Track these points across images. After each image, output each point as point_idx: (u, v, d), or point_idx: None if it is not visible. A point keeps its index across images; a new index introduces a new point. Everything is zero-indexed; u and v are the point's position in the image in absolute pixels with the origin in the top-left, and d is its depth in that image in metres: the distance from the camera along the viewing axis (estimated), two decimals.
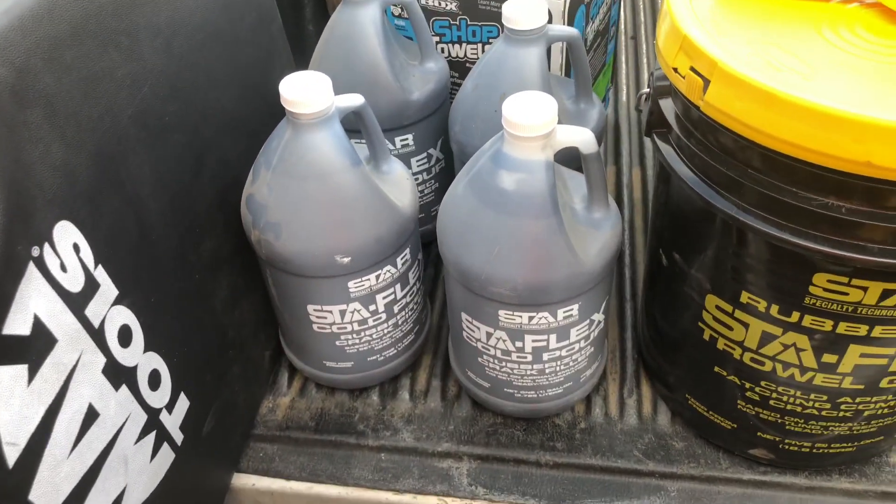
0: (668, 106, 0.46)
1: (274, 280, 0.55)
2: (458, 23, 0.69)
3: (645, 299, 0.63)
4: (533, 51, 0.56)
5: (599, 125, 0.62)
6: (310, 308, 0.55)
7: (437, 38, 0.70)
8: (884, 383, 0.47)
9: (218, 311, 0.54)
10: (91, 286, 0.38)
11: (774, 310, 0.45)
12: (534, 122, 0.45)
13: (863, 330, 0.44)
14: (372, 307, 0.56)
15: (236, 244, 0.55)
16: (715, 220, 0.45)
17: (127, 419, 0.42)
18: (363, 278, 0.53)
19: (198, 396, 0.50)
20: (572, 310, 0.51)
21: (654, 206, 0.57)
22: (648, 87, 0.48)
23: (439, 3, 0.68)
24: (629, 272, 0.73)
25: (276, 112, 0.50)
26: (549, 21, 0.58)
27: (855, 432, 0.51)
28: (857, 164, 0.35)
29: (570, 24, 0.65)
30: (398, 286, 0.56)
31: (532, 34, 0.55)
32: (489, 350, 0.54)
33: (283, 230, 0.51)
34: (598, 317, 0.54)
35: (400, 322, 0.59)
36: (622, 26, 1.03)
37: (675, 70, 0.42)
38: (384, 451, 0.60)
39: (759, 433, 0.54)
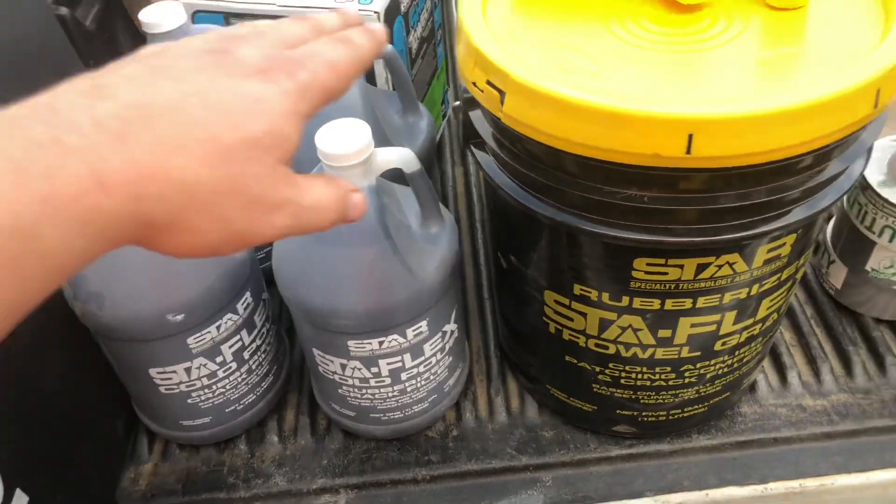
0: (478, 117, 0.47)
1: (109, 349, 0.52)
2: None
3: (497, 298, 0.64)
4: None
5: (429, 137, 0.62)
6: (152, 372, 0.52)
7: None
8: (717, 346, 0.50)
9: (51, 393, 0.50)
10: None
11: (605, 297, 0.47)
12: (348, 151, 0.44)
13: (688, 303, 0.46)
14: (219, 359, 0.53)
15: (64, 318, 0.52)
16: (537, 222, 0.46)
17: None
18: (203, 332, 0.51)
19: (38, 489, 0.46)
20: (421, 327, 0.51)
21: (486, 211, 0.58)
22: (457, 100, 0.49)
23: None
24: (486, 270, 0.74)
25: None
26: None
27: (702, 394, 0.55)
28: (646, 156, 0.37)
29: (389, 37, 0.65)
30: (244, 332, 0.54)
31: None
32: (347, 380, 0.54)
33: (106, 298, 0.48)
34: (450, 327, 0.55)
35: (254, 367, 0.57)
36: (455, 24, 1.04)
37: (475, 84, 0.43)
38: (258, 501, 0.58)
39: (618, 411, 0.56)
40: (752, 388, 0.62)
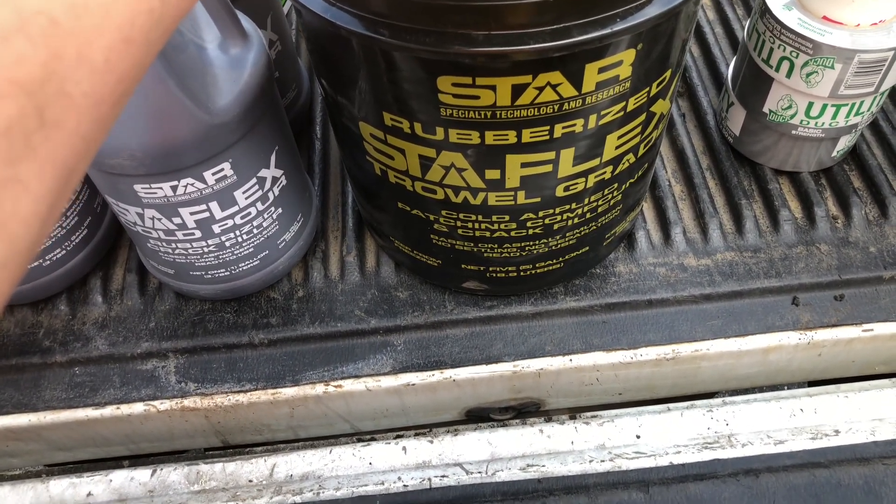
0: None
1: None
2: None
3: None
4: None
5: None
6: None
7: None
8: (560, 192, 0.44)
9: None
10: None
11: (418, 128, 0.40)
12: None
13: (511, 137, 0.39)
14: None
15: None
16: (333, 35, 0.38)
17: None
18: None
19: None
20: (223, 170, 0.44)
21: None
22: None
23: None
24: None
25: None
26: None
27: (554, 248, 0.48)
28: None
29: None
30: None
31: None
32: (151, 232, 0.47)
33: None
34: (270, 173, 0.48)
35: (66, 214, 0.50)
36: None
37: None
38: (77, 365, 0.53)
39: (462, 265, 0.50)
40: (631, 245, 0.56)
